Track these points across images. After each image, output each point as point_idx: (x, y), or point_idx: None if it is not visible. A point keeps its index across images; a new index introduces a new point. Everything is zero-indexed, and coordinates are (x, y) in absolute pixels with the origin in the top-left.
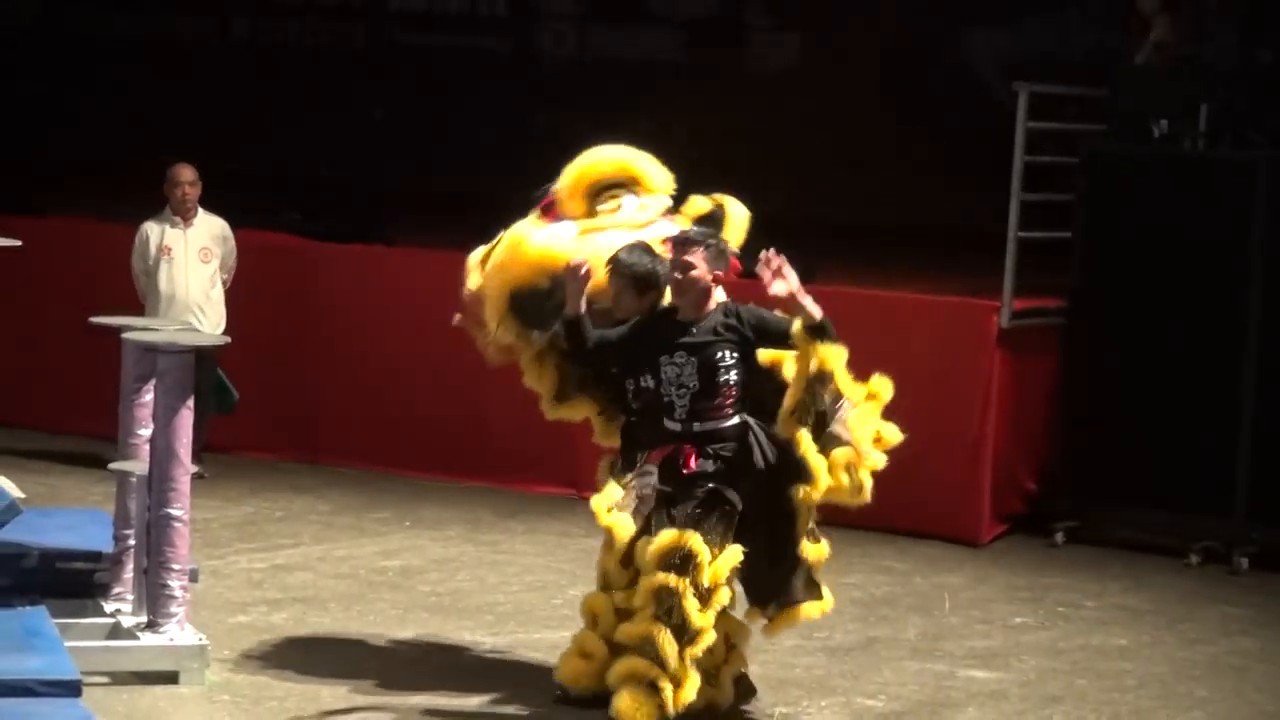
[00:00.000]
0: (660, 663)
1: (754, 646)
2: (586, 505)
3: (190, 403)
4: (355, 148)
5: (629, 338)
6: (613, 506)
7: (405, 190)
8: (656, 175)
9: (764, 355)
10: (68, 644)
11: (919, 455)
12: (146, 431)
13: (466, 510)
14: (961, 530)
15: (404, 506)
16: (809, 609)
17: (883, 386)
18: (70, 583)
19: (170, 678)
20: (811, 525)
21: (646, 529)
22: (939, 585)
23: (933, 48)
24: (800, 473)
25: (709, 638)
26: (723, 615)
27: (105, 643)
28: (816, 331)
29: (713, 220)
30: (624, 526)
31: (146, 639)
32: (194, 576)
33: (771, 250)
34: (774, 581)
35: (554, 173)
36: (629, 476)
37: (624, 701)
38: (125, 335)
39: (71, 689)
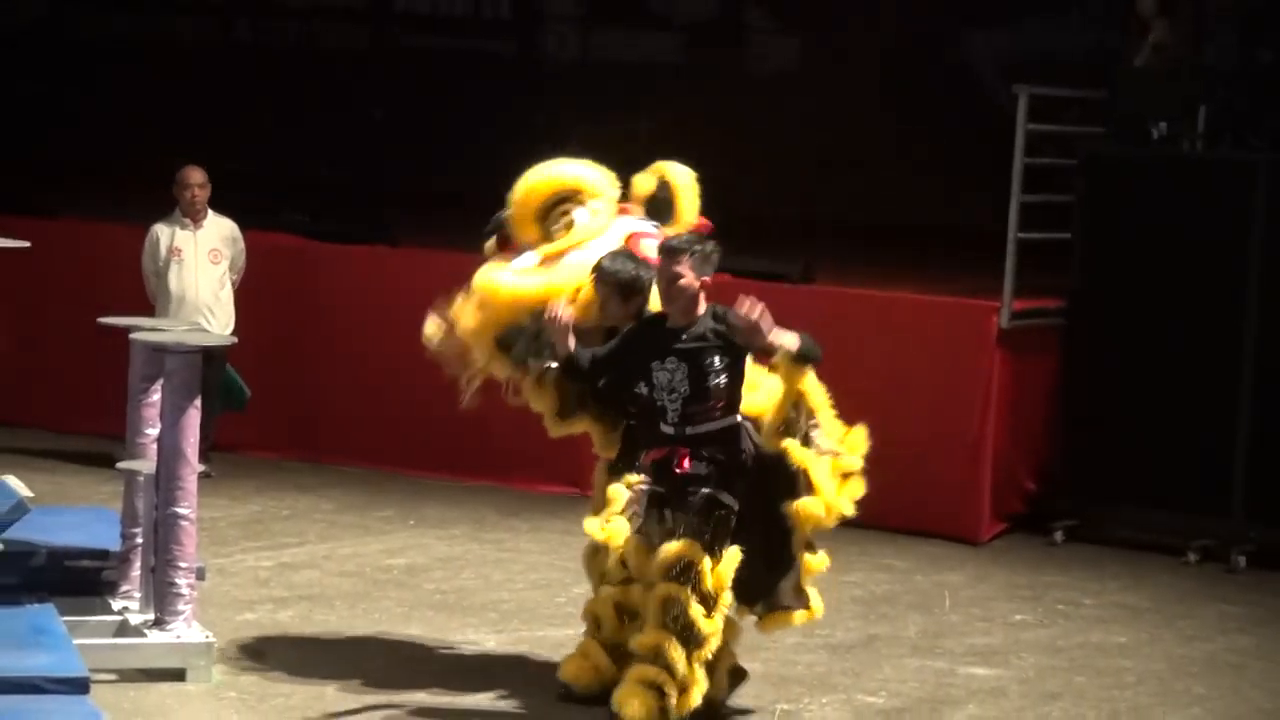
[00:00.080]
0: (670, 670)
1: (755, 644)
2: (590, 505)
3: (197, 403)
4: (358, 148)
5: (621, 349)
6: (609, 518)
7: (408, 191)
8: (595, 179)
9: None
10: (76, 641)
11: (919, 454)
12: (154, 431)
13: (471, 509)
14: (962, 529)
15: (409, 505)
16: (797, 616)
17: (858, 439)
18: (78, 581)
19: (177, 675)
20: (810, 536)
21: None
22: (939, 583)
23: (933, 48)
24: (794, 485)
25: (716, 642)
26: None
27: (113, 640)
28: (797, 359)
29: (661, 197)
30: (619, 534)
31: (154, 636)
32: (201, 574)
33: (750, 300)
34: (765, 583)
35: None
36: (635, 477)
37: (623, 693)
38: (133, 335)
39: (79, 686)
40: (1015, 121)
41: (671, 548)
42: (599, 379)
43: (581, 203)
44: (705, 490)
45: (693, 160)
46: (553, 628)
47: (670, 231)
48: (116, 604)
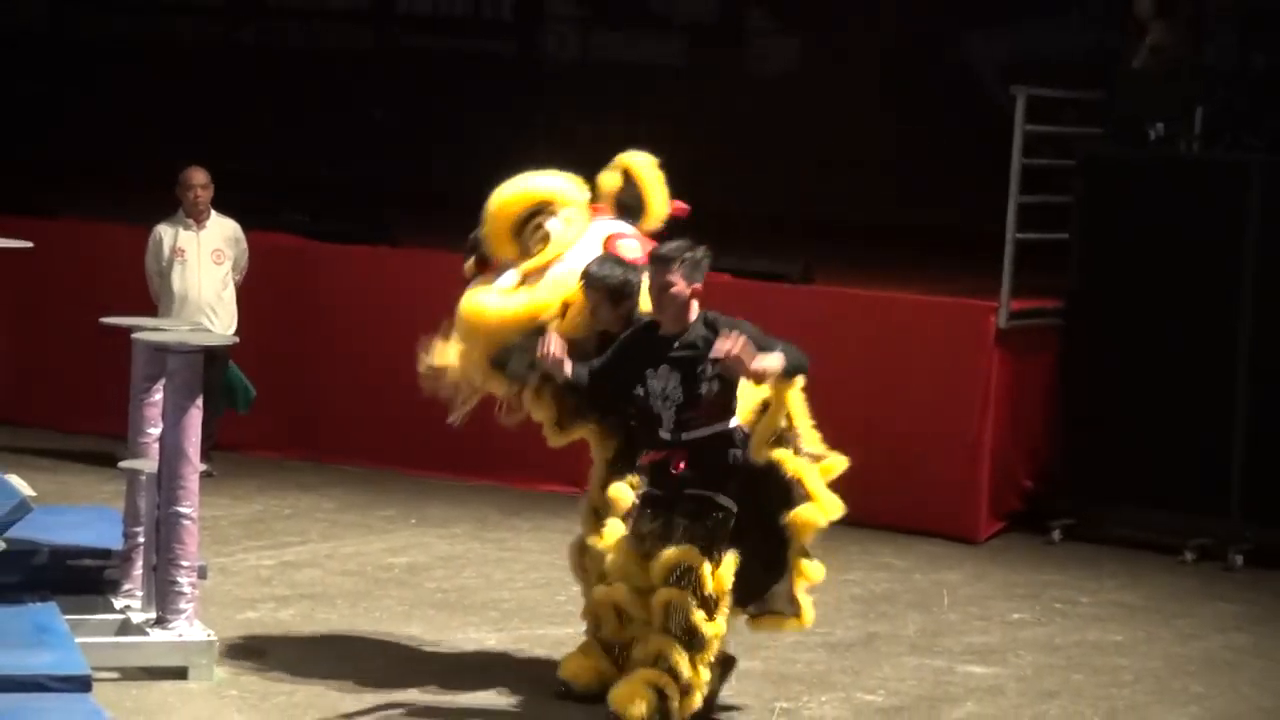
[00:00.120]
0: (673, 673)
1: (755, 642)
2: (583, 501)
3: (199, 402)
4: (359, 149)
5: (616, 359)
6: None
7: (409, 191)
8: (564, 187)
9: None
10: (78, 640)
11: (918, 454)
12: (156, 430)
13: (472, 508)
14: (960, 528)
15: (410, 504)
16: (788, 623)
17: (838, 463)
18: (80, 579)
19: (179, 673)
20: (808, 543)
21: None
22: (938, 582)
23: (932, 49)
24: (789, 494)
25: (718, 644)
26: None
27: (115, 639)
28: (786, 376)
29: (630, 193)
30: (612, 535)
31: (156, 635)
32: (203, 573)
33: (727, 335)
34: (761, 584)
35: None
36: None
37: (622, 692)
38: (135, 335)
39: (82, 684)
40: (1013, 122)
41: (670, 552)
42: (600, 392)
43: (554, 213)
44: (703, 493)
45: (694, 161)
46: (553, 626)
47: (644, 225)
48: (119, 603)
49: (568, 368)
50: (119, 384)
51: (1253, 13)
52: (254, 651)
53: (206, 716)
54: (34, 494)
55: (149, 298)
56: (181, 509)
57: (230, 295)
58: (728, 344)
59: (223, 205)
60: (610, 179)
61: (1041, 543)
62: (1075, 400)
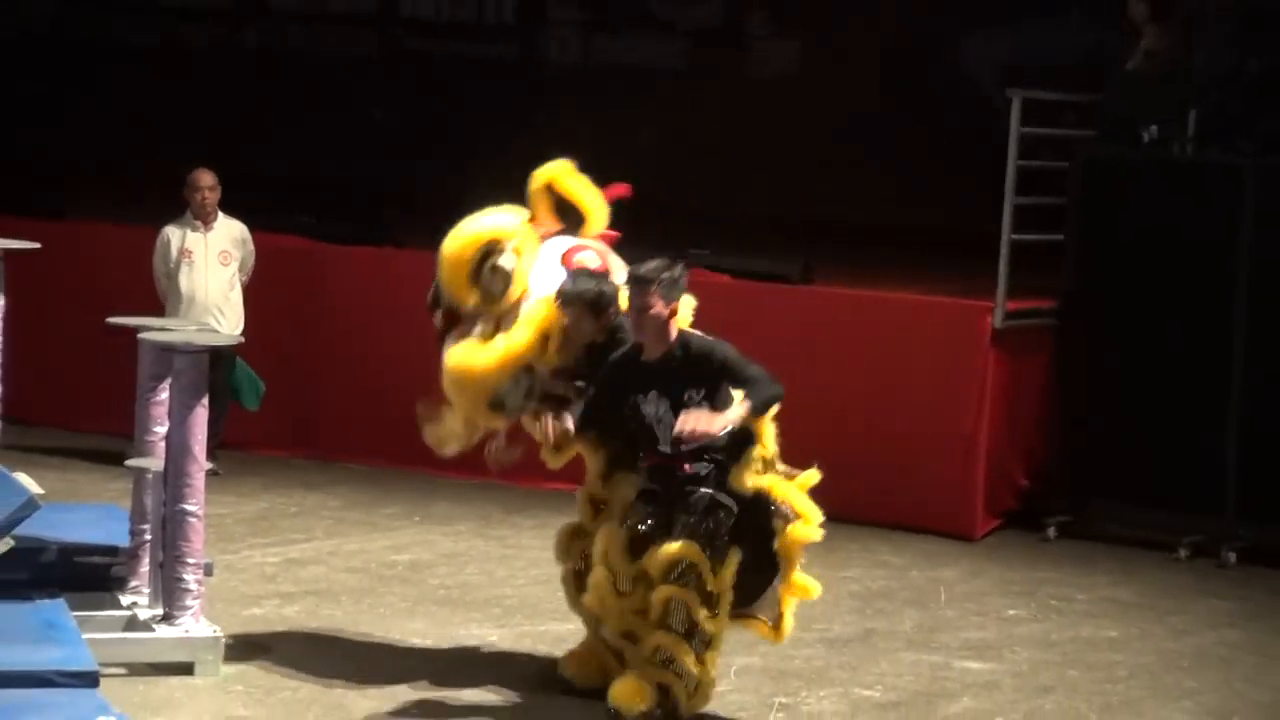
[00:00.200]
0: (678, 672)
1: (754, 639)
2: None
3: (205, 401)
4: (363, 151)
5: (604, 394)
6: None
7: (411, 192)
8: (505, 221)
9: None
10: (85, 636)
11: (915, 452)
12: (162, 429)
13: (475, 506)
14: (956, 525)
15: (414, 502)
16: (766, 630)
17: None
18: (88, 576)
19: (185, 669)
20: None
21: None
22: (934, 579)
23: (931, 52)
24: (777, 515)
25: (721, 642)
26: None
27: (122, 635)
28: (756, 415)
29: (563, 204)
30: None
31: (162, 631)
32: (209, 570)
33: (688, 426)
34: (752, 586)
35: None
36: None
37: (622, 686)
38: (142, 335)
39: (89, 679)
40: (1010, 125)
41: (672, 549)
42: (600, 424)
43: (503, 250)
44: (706, 491)
45: (694, 162)
46: (555, 622)
47: (589, 229)
48: (125, 599)
49: (570, 424)
50: (126, 383)
51: (1252, 13)
52: (259, 647)
53: (212, 711)
54: (42, 492)
55: (156, 298)
56: (187, 507)
57: (237, 296)
58: (688, 425)
59: (229, 207)
60: (539, 196)
61: (1037, 540)
62: (1070, 399)
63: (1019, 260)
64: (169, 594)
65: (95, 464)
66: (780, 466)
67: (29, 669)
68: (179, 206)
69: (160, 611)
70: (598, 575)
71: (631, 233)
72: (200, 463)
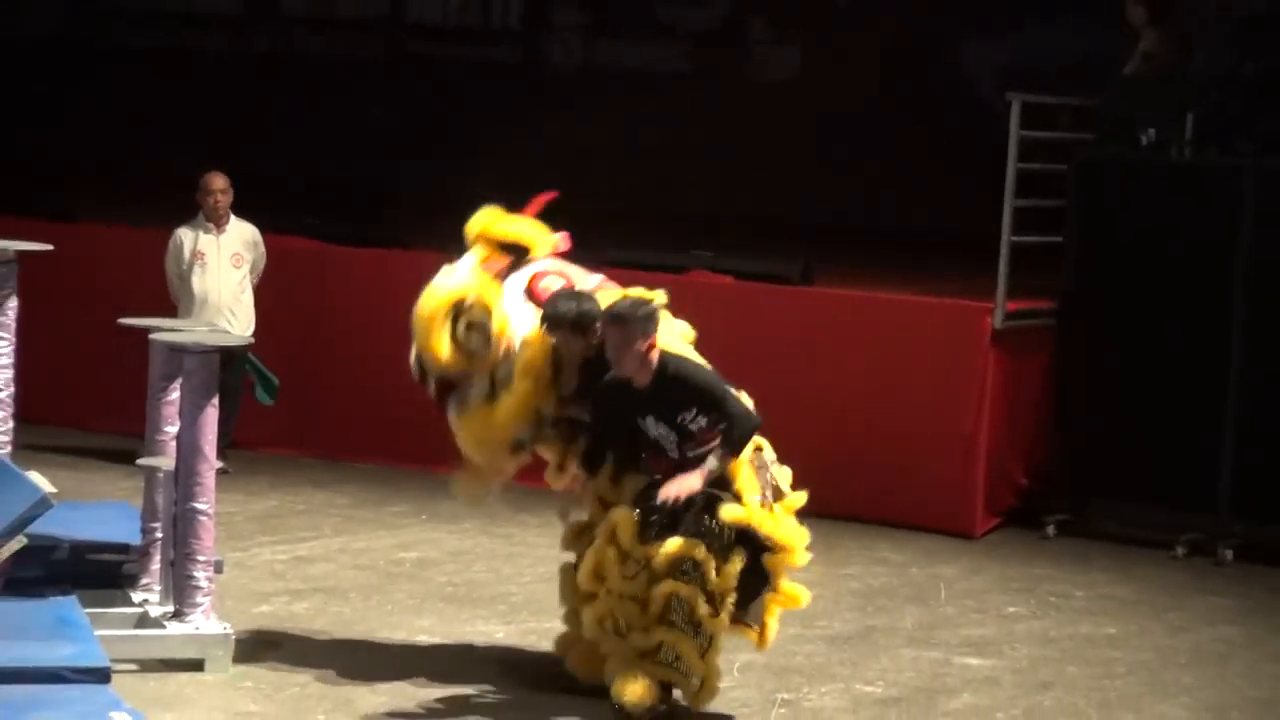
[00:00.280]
0: (681, 668)
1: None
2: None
3: (215, 401)
4: (369, 153)
5: (603, 420)
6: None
7: (416, 194)
8: (461, 279)
9: None
10: (97, 632)
11: (916, 451)
12: (173, 428)
13: (482, 504)
14: (956, 523)
15: (421, 501)
16: (751, 636)
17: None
18: (100, 574)
19: (196, 665)
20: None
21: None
22: (934, 576)
23: (931, 55)
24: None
25: (722, 640)
26: None
27: (133, 631)
28: (735, 456)
29: (505, 245)
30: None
31: (173, 628)
32: (219, 568)
33: (670, 494)
34: (749, 588)
35: (560, 177)
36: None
37: (623, 681)
38: (153, 336)
39: (101, 675)
40: (1009, 128)
41: (677, 544)
42: (607, 456)
43: (469, 306)
44: (712, 491)
45: (696, 164)
46: (560, 620)
47: (538, 256)
48: (137, 596)
49: (581, 475)
50: (137, 384)
51: (1252, 14)
52: (268, 644)
53: (222, 707)
54: (54, 490)
55: (167, 299)
56: (198, 505)
57: (248, 297)
58: (670, 493)
59: (239, 209)
60: (479, 247)
61: (1036, 538)
62: (1069, 399)
63: (1018, 261)
64: (180, 591)
65: (107, 463)
66: (774, 468)
67: (42, 665)
68: (178, 207)
69: (171, 608)
70: (604, 552)
71: (634, 234)
72: (211, 462)
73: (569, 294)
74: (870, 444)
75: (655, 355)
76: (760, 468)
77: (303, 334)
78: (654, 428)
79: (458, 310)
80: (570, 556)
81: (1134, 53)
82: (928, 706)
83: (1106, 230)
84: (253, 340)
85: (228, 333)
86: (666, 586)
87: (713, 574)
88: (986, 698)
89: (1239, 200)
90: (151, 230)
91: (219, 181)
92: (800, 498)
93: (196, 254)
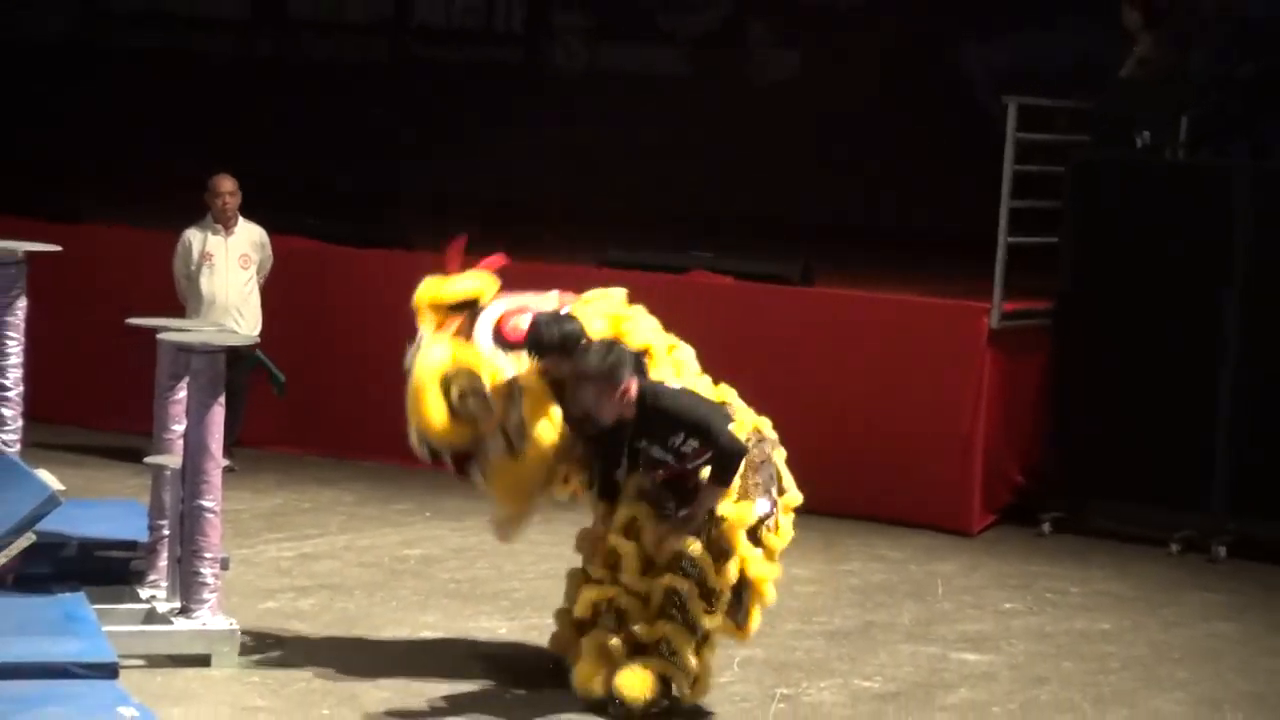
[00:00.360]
0: (680, 664)
1: (756, 631)
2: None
3: (222, 399)
4: (371, 154)
5: (605, 458)
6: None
7: (419, 196)
8: (434, 356)
9: None
10: (105, 628)
11: (914, 450)
12: (180, 427)
13: (485, 502)
14: (954, 521)
15: (425, 498)
16: (730, 629)
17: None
18: (108, 570)
19: (203, 660)
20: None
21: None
22: (932, 573)
23: (931, 56)
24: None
25: (717, 638)
26: None
27: (141, 627)
28: (725, 488)
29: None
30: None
31: (180, 624)
32: (225, 564)
33: (669, 539)
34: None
35: (561, 178)
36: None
37: (624, 676)
38: (160, 336)
39: (109, 671)
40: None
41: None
42: (615, 478)
43: (458, 377)
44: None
45: (696, 165)
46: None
47: (488, 301)
48: (144, 593)
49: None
50: (144, 383)
51: (1251, 15)
52: (274, 639)
53: (229, 702)
54: (63, 488)
55: (174, 299)
56: (205, 502)
57: (256, 298)
58: (668, 537)
59: (245, 210)
60: (431, 314)
61: (1032, 535)
62: (1065, 398)
63: (1015, 262)
64: (187, 587)
65: (115, 461)
66: (774, 452)
67: (50, 660)
68: (178, 207)
69: (178, 604)
70: (622, 545)
71: (636, 234)
72: (217, 460)
73: (546, 320)
74: (869, 443)
75: (634, 392)
76: (763, 462)
77: (305, 333)
78: (653, 451)
79: (446, 384)
80: (579, 561)
81: (1129, 56)
82: (925, 701)
83: (1103, 231)
84: (259, 340)
85: (235, 332)
86: (666, 580)
87: (711, 572)
88: (983, 692)
89: (1235, 201)
90: (154, 231)
91: (227, 184)
92: (798, 497)
93: (205, 255)
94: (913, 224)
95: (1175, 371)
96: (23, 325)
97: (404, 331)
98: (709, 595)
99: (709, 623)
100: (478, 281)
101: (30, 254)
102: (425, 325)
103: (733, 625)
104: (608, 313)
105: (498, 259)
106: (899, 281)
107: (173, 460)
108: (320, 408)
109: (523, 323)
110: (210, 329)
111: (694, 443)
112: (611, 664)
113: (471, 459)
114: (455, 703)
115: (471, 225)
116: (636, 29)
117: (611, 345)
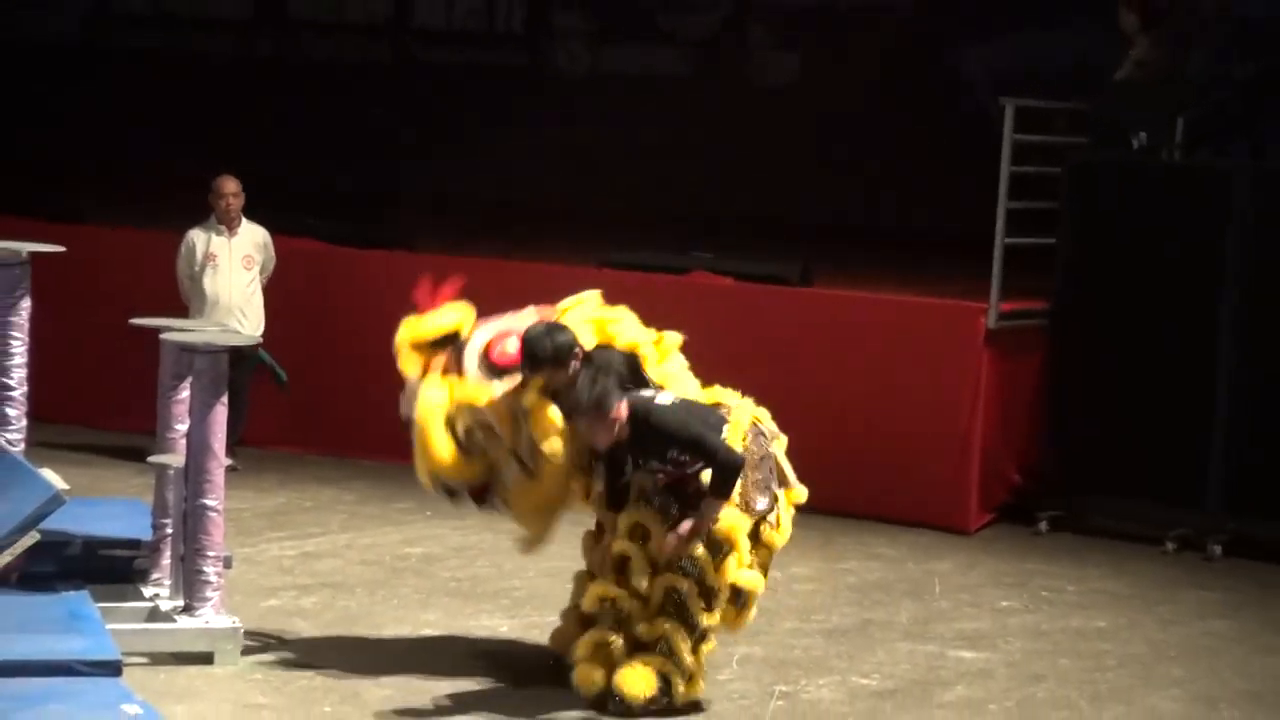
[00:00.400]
0: (676, 661)
1: (754, 629)
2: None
3: (224, 399)
4: (372, 155)
5: (610, 472)
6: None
7: (420, 195)
8: (430, 397)
9: None
10: (109, 626)
11: (912, 450)
12: (183, 426)
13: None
14: (951, 520)
15: (426, 497)
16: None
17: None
18: (111, 569)
19: (205, 658)
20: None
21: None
22: (930, 571)
23: (931, 56)
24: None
25: (714, 636)
26: None
27: (144, 625)
28: (725, 500)
29: (450, 338)
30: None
31: (183, 622)
32: (228, 563)
33: (671, 551)
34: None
35: (561, 179)
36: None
37: (625, 674)
38: (163, 336)
39: (112, 668)
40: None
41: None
42: (622, 487)
43: (458, 413)
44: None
45: (696, 166)
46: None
47: (469, 333)
48: (148, 591)
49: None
50: (147, 383)
51: (1251, 16)
52: (277, 637)
53: (231, 700)
54: (67, 487)
55: (177, 299)
56: (207, 501)
57: (259, 299)
58: (670, 550)
59: (247, 211)
60: (414, 355)
61: (1029, 534)
62: (1061, 397)
63: (1012, 262)
64: (189, 586)
65: (118, 460)
66: (774, 444)
67: (54, 658)
68: (178, 207)
69: (181, 603)
70: (631, 549)
71: (636, 235)
72: (220, 459)
73: (537, 334)
74: (867, 442)
75: (625, 414)
76: (762, 458)
77: (307, 333)
78: (651, 464)
79: (451, 424)
80: (584, 563)
81: (1126, 59)
82: (923, 699)
83: (1100, 232)
84: (261, 341)
85: (237, 333)
86: (665, 579)
87: (710, 572)
88: (980, 690)
89: (1232, 202)
90: (157, 232)
91: (231, 185)
92: (803, 491)
93: (209, 256)
94: (912, 224)
95: (1172, 371)
96: (27, 325)
97: None
98: (708, 594)
99: (707, 621)
100: (455, 315)
101: (34, 255)
102: (410, 369)
103: (732, 614)
104: (591, 319)
105: (455, 283)
106: (898, 282)
107: (176, 459)
108: (322, 407)
109: (509, 346)
110: (213, 329)
111: (689, 455)
112: (611, 662)
113: (489, 489)
114: (456, 700)
115: (468, 225)
116: (637, 30)
117: (595, 375)
